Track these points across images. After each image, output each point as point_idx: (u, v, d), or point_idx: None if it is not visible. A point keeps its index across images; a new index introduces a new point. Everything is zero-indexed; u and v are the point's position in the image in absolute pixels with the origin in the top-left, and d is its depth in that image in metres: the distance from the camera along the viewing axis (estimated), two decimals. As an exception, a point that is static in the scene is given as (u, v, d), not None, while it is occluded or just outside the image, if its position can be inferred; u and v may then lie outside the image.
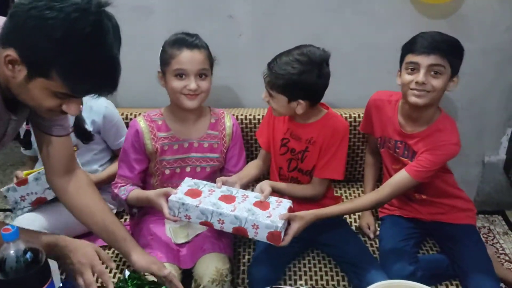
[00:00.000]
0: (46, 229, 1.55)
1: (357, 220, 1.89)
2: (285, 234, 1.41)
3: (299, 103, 1.51)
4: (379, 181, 1.94)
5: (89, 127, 1.74)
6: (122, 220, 1.87)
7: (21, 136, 1.59)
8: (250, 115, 2.00)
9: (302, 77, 1.46)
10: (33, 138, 1.34)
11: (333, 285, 1.61)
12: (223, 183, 1.49)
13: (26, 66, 0.96)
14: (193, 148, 1.67)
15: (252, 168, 1.73)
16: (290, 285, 1.61)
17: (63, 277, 1.35)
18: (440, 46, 1.49)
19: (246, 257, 1.72)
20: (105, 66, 1.00)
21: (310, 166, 1.64)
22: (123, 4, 1.99)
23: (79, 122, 1.71)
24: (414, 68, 1.52)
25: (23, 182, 1.64)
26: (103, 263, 1.20)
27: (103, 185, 1.78)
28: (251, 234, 1.36)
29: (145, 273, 1.40)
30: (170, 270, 1.34)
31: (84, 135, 1.73)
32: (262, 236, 1.36)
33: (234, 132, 1.73)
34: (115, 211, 1.84)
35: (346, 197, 2.03)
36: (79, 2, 0.94)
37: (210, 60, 1.61)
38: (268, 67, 1.52)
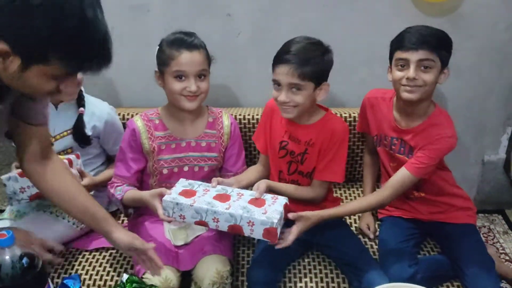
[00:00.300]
0: None
1: (357, 221, 1.87)
2: (289, 233, 1.40)
3: (323, 87, 1.50)
4: (378, 181, 1.94)
5: (88, 131, 1.73)
6: (120, 221, 1.85)
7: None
8: (249, 115, 1.98)
9: (325, 57, 1.47)
10: None
11: (333, 287, 1.59)
12: (219, 183, 1.47)
13: (19, 57, 0.94)
14: (191, 147, 1.65)
15: (252, 172, 1.70)
16: (290, 287, 1.59)
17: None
18: (428, 41, 1.49)
19: (246, 259, 1.70)
20: (100, 38, 1.02)
21: (310, 168, 1.63)
22: (119, 3, 1.97)
23: (79, 125, 1.69)
24: (404, 64, 1.53)
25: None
26: None
27: (99, 188, 1.77)
28: (246, 231, 1.34)
29: (145, 277, 1.40)
30: (154, 245, 1.37)
31: (82, 139, 1.72)
32: (258, 233, 1.34)
33: (232, 131, 1.71)
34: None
35: (346, 197, 2.02)
36: None
37: (209, 59, 1.60)
38: (285, 61, 1.45)
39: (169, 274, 1.46)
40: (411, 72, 1.50)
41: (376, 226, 1.82)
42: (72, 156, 1.67)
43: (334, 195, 1.87)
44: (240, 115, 1.97)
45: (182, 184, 1.47)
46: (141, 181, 1.70)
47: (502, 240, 2.30)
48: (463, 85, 2.12)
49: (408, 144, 1.64)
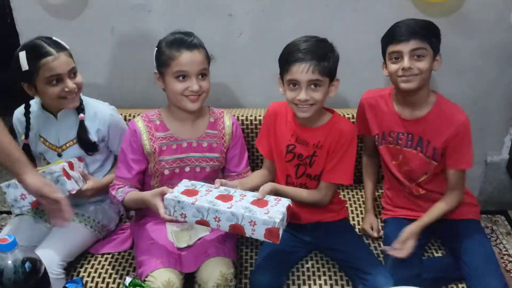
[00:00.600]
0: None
1: (360, 223, 1.86)
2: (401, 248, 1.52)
3: (334, 83, 1.52)
4: (378, 182, 1.93)
5: (93, 136, 1.69)
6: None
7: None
8: (251, 115, 1.96)
9: (335, 53, 1.51)
10: None
11: (337, 290, 1.59)
12: (222, 185, 1.46)
13: None
14: (192, 148, 1.64)
15: (257, 176, 1.68)
16: (293, 290, 1.58)
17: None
18: (417, 31, 1.54)
19: (249, 261, 1.69)
20: None
21: (319, 170, 1.61)
22: (120, 3, 1.96)
23: (83, 133, 1.66)
24: (398, 56, 1.57)
25: None
26: None
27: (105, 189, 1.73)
28: (248, 231, 1.33)
29: (147, 280, 1.38)
30: (63, 196, 1.36)
31: (89, 146, 1.68)
32: (259, 233, 1.32)
33: (234, 132, 1.69)
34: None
35: (349, 199, 2.01)
36: None
37: (208, 59, 1.60)
38: (301, 59, 1.44)
39: (171, 277, 1.45)
40: (405, 62, 1.54)
41: (380, 226, 1.80)
42: (73, 159, 1.65)
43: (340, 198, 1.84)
44: (242, 116, 1.96)
45: (184, 184, 1.46)
46: (142, 182, 1.69)
47: (505, 241, 2.29)
48: (465, 85, 2.11)
49: (416, 136, 1.65)
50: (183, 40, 1.54)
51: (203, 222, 1.37)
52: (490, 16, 1.99)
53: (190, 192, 1.40)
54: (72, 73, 1.59)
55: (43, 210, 1.67)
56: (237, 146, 1.70)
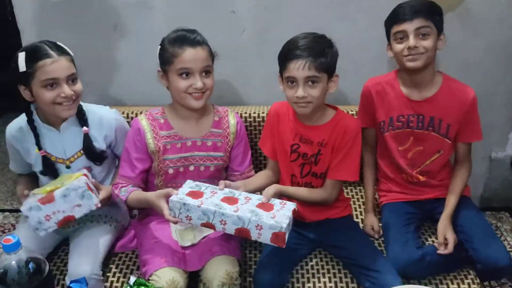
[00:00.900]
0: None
1: (361, 224, 1.85)
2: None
3: (333, 79, 1.51)
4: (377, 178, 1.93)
5: (101, 144, 1.65)
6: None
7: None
8: (254, 113, 1.95)
9: (333, 49, 1.50)
10: None
11: (341, 287, 1.58)
12: (226, 187, 1.45)
13: None
14: (196, 147, 1.63)
15: (261, 177, 1.67)
16: None
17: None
18: (420, 10, 1.57)
19: (253, 259, 1.68)
20: None
21: (324, 168, 1.60)
22: (123, 0, 1.95)
23: (88, 145, 1.61)
24: (403, 36, 1.60)
25: (48, 199, 1.46)
26: None
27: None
28: (254, 235, 1.33)
29: (151, 279, 1.38)
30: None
31: (96, 157, 1.64)
32: (265, 237, 1.32)
33: (239, 130, 1.69)
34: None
35: (353, 196, 2.00)
36: None
37: (212, 56, 1.58)
38: (298, 56, 1.45)
39: (175, 276, 1.44)
40: (411, 41, 1.57)
41: (380, 226, 1.79)
42: (84, 171, 1.58)
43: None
44: (245, 113, 1.95)
45: (189, 185, 1.45)
46: (146, 181, 1.68)
47: (510, 238, 2.28)
48: (469, 82, 2.06)
49: (427, 116, 1.69)
50: (186, 37, 1.53)
51: (208, 225, 1.36)
52: (495, 13, 1.97)
53: (195, 194, 1.39)
54: (71, 79, 1.52)
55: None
56: (241, 145, 1.69)
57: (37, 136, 1.59)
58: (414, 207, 1.77)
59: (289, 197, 1.55)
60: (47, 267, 0.97)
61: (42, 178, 1.68)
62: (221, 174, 1.70)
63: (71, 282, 1.16)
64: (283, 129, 1.64)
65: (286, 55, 1.48)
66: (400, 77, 1.73)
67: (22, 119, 1.62)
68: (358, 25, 1.98)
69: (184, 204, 1.35)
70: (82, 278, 1.17)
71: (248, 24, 2.00)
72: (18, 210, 1.79)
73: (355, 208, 1.93)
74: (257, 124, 1.94)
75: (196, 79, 1.52)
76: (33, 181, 1.73)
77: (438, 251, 1.60)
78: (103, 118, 1.66)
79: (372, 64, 2.03)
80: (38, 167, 1.63)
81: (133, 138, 1.61)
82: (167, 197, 1.40)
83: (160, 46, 1.57)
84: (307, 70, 1.44)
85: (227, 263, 1.49)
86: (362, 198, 1.98)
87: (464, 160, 1.76)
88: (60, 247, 1.72)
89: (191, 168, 1.63)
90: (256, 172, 1.74)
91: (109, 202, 1.64)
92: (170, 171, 1.62)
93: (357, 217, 1.88)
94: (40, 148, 1.59)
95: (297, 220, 1.60)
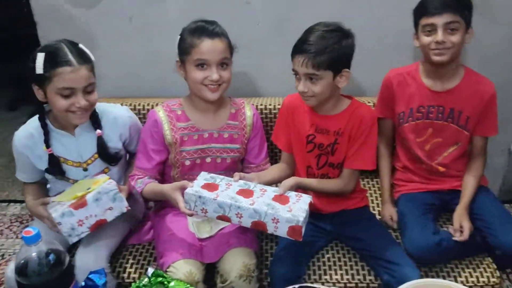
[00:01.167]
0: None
1: (378, 215, 1.83)
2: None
3: (343, 74, 1.47)
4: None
5: (117, 143, 1.64)
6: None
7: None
8: (270, 104, 1.94)
9: (342, 44, 1.44)
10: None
11: (359, 279, 1.57)
12: (240, 178, 1.44)
13: None
14: (213, 139, 1.62)
15: (275, 170, 1.66)
16: (315, 280, 1.57)
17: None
18: (450, 3, 1.56)
19: (269, 251, 1.68)
20: None
21: (341, 158, 1.59)
22: (137, -9, 1.95)
23: (102, 149, 1.59)
24: (431, 29, 1.59)
25: (81, 204, 1.44)
26: None
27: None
28: (270, 229, 1.32)
29: (169, 271, 1.38)
30: None
31: (110, 159, 1.63)
32: (282, 231, 1.31)
33: (255, 123, 1.68)
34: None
35: (369, 188, 1.98)
36: None
37: (231, 48, 1.57)
38: (302, 51, 1.44)
39: (192, 268, 1.45)
40: (439, 36, 1.56)
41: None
42: (104, 176, 1.57)
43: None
44: (261, 104, 1.94)
45: (204, 177, 1.44)
46: (162, 173, 1.68)
47: (529, 230, 2.24)
48: (489, 73, 2.03)
49: (447, 108, 1.69)
50: (204, 28, 1.52)
51: (224, 218, 1.36)
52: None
53: (210, 187, 1.39)
54: (89, 90, 1.48)
55: None
56: (257, 137, 1.69)
57: (47, 134, 1.55)
58: (432, 197, 1.76)
59: (306, 189, 1.54)
60: (67, 259, 0.98)
61: (50, 181, 1.65)
62: (237, 166, 1.69)
63: (90, 273, 1.17)
64: (298, 120, 1.62)
65: (295, 47, 1.48)
66: (423, 67, 1.73)
67: (30, 125, 1.58)
68: (375, 14, 1.95)
69: (200, 197, 1.35)
70: (101, 269, 1.18)
71: (263, 15, 1.98)
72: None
73: (372, 200, 1.91)
74: (272, 116, 1.92)
75: (212, 71, 1.51)
76: (41, 189, 1.70)
77: (453, 238, 1.58)
78: (118, 118, 1.64)
79: (389, 54, 2.01)
80: (43, 166, 1.58)
81: (150, 130, 1.60)
82: (182, 189, 1.40)
83: (179, 36, 1.56)
84: (305, 67, 1.44)
85: (244, 255, 1.49)
86: (378, 190, 1.96)
87: (480, 154, 1.75)
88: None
89: (208, 160, 1.63)
90: (272, 165, 1.73)
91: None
92: (187, 162, 1.61)
93: (373, 209, 1.86)
94: (48, 147, 1.55)
95: (313, 212, 1.58)
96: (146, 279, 1.24)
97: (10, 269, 1.47)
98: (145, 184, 1.57)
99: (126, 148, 1.72)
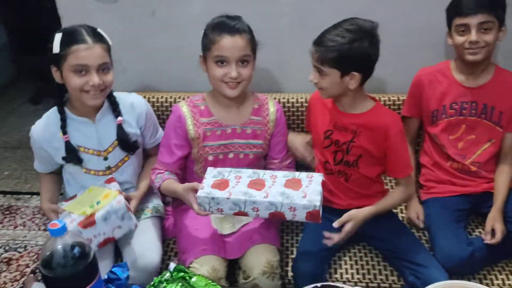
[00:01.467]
0: None
1: (404, 211, 1.81)
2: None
3: (352, 76, 1.43)
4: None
5: (135, 128, 1.64)
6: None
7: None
8: (292, 98, 1.92)
9: (353, 45, 1.40)
10: None
11: (381, 279, 1.55)
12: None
13: None
14: (236, 134, 1.62)
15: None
16: (336, 279, 1.55)
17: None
18: (484, 3, 1.56)
19: (290, 248, 1.66)
20: None
21: (356, 156, 1.56)
22: (162, -14, 1.94)
23: (122, 136, 1.59)
24: (464, 29, 1.60)
25: (89, 223, 1.44)
26: None
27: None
28: (288, 216, 1.32)
29: (192, 267, 1.38)
30: None
31: (130, 147, 1.63)
32: (300, 217, 1.31)
33: (278, 118, 1.66)
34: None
35: (392, 187, 1.94)
36: None
37: (252, 44, 1.55)
38: (316, 43, 1.45)
39: (216, 264, 1.45)
40: (473, 36, 1.57)
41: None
42: (115, 187, 1.54)
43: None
44: (283, 98, 1.92)
45: (211, 174, 1.42)
46: (184, 168, 1.68)
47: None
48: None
49: (480, 103, 1.69)
50: (225, 24, 1.51)
51: (241, 214, 1.35)
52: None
53: (221, 184, 1.37)
54: (103, 68, 1.48)
55: None
56: (280, 133, 1.67)
57: (64, 120, 1.55)
58: (463, 202, 1.70)
59: (377, 214, 1.54)
60: (92, 252, 0.98)
61: (70, 174, 1.66)
62: (260, 162, 1.68)
63: (113, 266, 1.17)
64: (319, 114, 1.62)
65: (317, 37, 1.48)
66: (455, 64, 1.74)
67: (47, 118, 1.60)
68: (401, 9, 1.90)
69: (213, 198, 1.33)
70: (124, 263, 1.18)
71: (286, 9, 1.95)
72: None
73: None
74: (295, 109, 1.90)
75: (231, 68, 1.50)
76: (57, 181, 1.72)
77: (484, 241, 1.55)
78: (134, 103, 1.65)
79: (415, 51, 1.96)
80: (61, 156, 1.58)
81: (173, 125, 1.61)
82: (193, 191, 1.38)
83: (203, 32, 1.56)
84: (314, 59, 1.45)
85: (267, 252, 1.48)
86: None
87: (509, 153, 1.72)
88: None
89: (231, 155, 1.62)
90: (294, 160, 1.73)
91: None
92: (210, 158, 1.61)
93: (396, 208, 1.82)
94: (65, 133, 1.55)
95: (334, 210, 1.58)
96: (168, 274, 1.23)
97: None
98: (163, 180, 1.57)
99: (142, 138, 1.70)
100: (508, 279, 1.53)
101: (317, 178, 1.36)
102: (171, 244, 1.68)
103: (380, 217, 1.61)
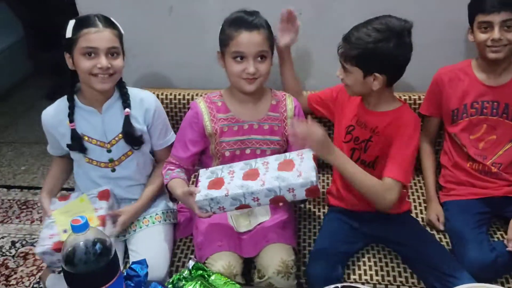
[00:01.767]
0: None
1: (423, 212, 1.78)
2: None
3: (375, 77, 1.41)
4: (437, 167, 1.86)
5: (142, 124, 1.63)
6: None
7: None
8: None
9: (378, 46, 1.37)
10: None
11: (400, 281, 1.52)
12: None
13: None
14: (253, 130, 1.60)
15: None
16: (355, 280, 1.53)
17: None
18: (508, 1, 1.54)
19: (308, 248, 1.64)
20: None
21: (373, 157, 1.55)
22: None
23: (128, 127, 1.59)
24: (487, 26, 1.58)
25: (61, 248, 1.39)
26: None
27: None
28: (289, 198, 1.33)
29: (207, 263, 1.39)
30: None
31: (134, 141, 1.61)
32: (300, 195, 1.32)
33: (296, 115, 1.65)
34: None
35: (411, 187, 1.91)
36: None
37: (270, 40, 1.54)
38: (343, 38, 1.45)
39: (232, 260, 1.44)
40: (496, 34, 1.56)
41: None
42: (101, 211, 1.52)
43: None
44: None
45: (205, 175, 1.42)
46: (197, 164, 1.68)
47: None
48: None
49: (502, 103, 1.66)
50: (243, 20, 1.50)
51: (243, 207, 1.36)
52: None
53: (216, 184, 1.37)
54: (112, 53, 1.49)
55: None
56: (299, 130, 1.65)
57: (72, 108, 1.57)
58: (484, 205, 1.66)
59: (341, 166, 1.43)
60: (113, 249, 0.97)
61: (74, 163, 1.68)
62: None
63: (133, 263, 1.16)
64: (346, 108, 1.62)
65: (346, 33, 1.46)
66: (476, 63, 1.71)
67: (57, 104, 1.63)
68: (425, 6, 1.87)
69: (212, 199, 1.34)
70: (143, 259, 1.17)
71: (304, 6, 1.93)
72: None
73: (414, 199, 1.86)
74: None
75: (249, 64, 1.48)
76: (66, 166, 1.74)
77: (507, 248, 1.51)
78: (144, 99, 1.64)
79: (437, 48, 1.92)
80: (66, 141, 1.60)
81: (190, 121, 1.60)
82: (192, 195, 1.38)
83: (221, 27, 1.55)
84: (340, 55, 1.46)
85: (282, 251, 1.47)
86: (420, 189, 1.90)
87: None
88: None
89: (248, 151, 1.61)
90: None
91: (142, 212, 1.67)
92: (227, 153, 1.60)
93: (415, 208, 1.80)
94: (71, 121, 1.57)
95: (349, 212, 1.59)
96: (187, 272, 1.23)
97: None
98: (171, 178, 1.57)
99: (149, 137, 1.68)
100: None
101: (308, 153, 1.37)
102: (187, 242, 1.68)
103: (400, 223, 1.60)
